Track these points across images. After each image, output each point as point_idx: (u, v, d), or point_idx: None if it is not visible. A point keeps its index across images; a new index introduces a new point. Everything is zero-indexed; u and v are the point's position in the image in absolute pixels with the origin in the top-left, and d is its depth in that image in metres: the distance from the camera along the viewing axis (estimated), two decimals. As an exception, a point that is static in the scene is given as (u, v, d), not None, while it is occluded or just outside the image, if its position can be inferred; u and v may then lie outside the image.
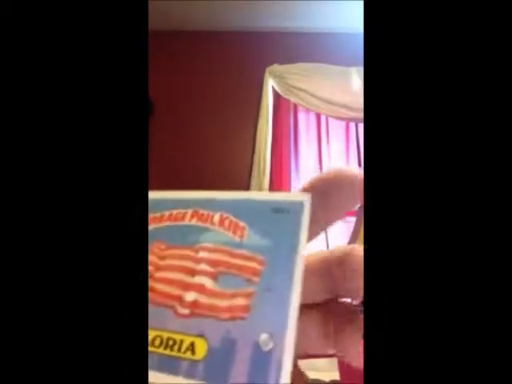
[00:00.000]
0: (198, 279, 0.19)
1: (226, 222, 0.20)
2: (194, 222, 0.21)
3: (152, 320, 0.18)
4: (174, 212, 0.21)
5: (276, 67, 2.21)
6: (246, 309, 0.17)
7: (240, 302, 0.18)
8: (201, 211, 0.21)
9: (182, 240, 0.20)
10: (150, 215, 0.21)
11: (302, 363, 0.20)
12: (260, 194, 0.21)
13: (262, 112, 2.17)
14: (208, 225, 0.20)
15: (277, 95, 2.21)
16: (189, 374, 0.17)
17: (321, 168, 2.16)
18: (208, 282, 0.19)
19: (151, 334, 0.18)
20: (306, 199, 0.18)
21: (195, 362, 0.17)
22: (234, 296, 0.18)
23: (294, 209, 0.19)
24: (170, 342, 0.18)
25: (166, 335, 0.18)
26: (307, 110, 2.22)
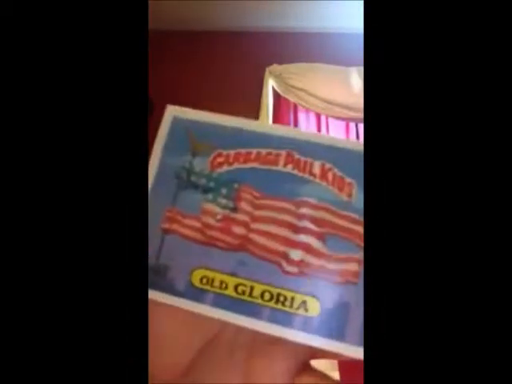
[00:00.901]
0: (304, 238, 0.18)
1: (330, 175, 0.18)
2: (289, 169, 0.18)
3: (255, 273, 0.18)
4: (264, 152, 0.19)
5: (276, 67, 2.20)
6: (358, 274, 0.17)
7: (352, 267, 0.17)
8: (297, 156, 0.18)
9: (276, 189, 0.18)
10: (233, 150, 0.19)
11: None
12: None
13: (262, 112, 2.17)
14: (307, 175, 0.18)
15: (277, 95, 2.21)
16: (304, 328, 0.17)
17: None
18: (315, 243, 0.18)
19: (258, 288, 0.18)
20: None
21: (309, 317, 0.17)
22: (344, 260, 0.17)
23: None
24: (281, 298, 0.17)
25: (275, 291, 0.18)
26: (307, 110, 2.21)
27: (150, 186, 0.19)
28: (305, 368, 0.20)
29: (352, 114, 2.11)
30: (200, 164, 0.19)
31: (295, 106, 2.23)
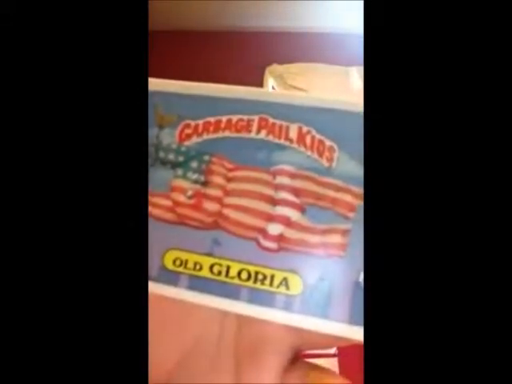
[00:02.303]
0: (282, 210, 0.16)
1: (308, 139, 0.16)
2: (263, 135, 0.17)
3: (231, 251, 0.17)
4: (235, 118, 0.17)
5: (276, 67, 2.20)
6: (343, 247, 0.16)
7: (335, 239, 0.16)
8: (271, 120, 0.17)
9: (250, 158, 0.17)
10: (201, 120, 0.17)
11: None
12: (351, 104, 0.17)
13: (262, 112, 2.17)
14: (283, 141, 0.16)
15: (277, 95, 2.21)
16: (286, 308, 0.16)
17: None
18: (294, 215, 0.16)
19: (235, 267, 0.16)
20: None
21: (291, 296, 0.16)
22: (327, 232, 0.16)
23: None
24: (260, 277, 0.16)
25: (252, 269, 0.16)
26: (307, 110, 2.21)
27: None
28: (296, 361, 0.19)
29: (352, 113, 2.10)
30: (167, 137, 0.18)
31: (295, 106, 2.22)
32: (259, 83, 2.20)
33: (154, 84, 0.19)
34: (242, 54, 2.26)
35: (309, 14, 2.10)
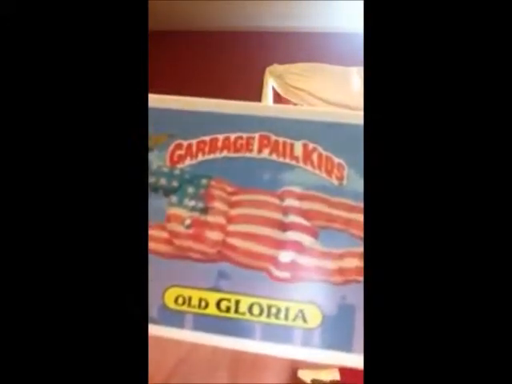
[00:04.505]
0: (293, 235, 0.15)
1: (315, 157, 0.15)
2: (266, 154, 0.15)
3: (240, 284, 0.15)
4: (233, 137, 0.15)
5: (276, 67, 2.20)
6: (361, 271, 0.14)
7: (352, 263, 0.15)
8: (273, 137, 0.15)
9: (253, 180, 0.15)
10: (195, 139, 0.16)
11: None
12: (358, 117, 0.15)
13: (262, 112, 2.16)
14: (288, 160, 0.15)
15: (277, 95, 2.21)
16: (305, 343, 0.15)
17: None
18: (306, 239, 0.15)
19: (245, 302, 0.15)
20: None
21: (310, 329, 0.15)
22: (343, 256, 0.15)
23: None
24: (273, 310, 0.15)
25: (265, 302, 0.15)
26: (307, 110, 2.21)
27: None
28: (293, 379, 0.19)
29: (352, 114, 2.10)
30: (156, 160, 0.16)
31: (295, 106, 2.22)
32: (259, 83, 2.20)
33: None
34: (242, 54, 2.26)
35: (309, 13, 2.10)
